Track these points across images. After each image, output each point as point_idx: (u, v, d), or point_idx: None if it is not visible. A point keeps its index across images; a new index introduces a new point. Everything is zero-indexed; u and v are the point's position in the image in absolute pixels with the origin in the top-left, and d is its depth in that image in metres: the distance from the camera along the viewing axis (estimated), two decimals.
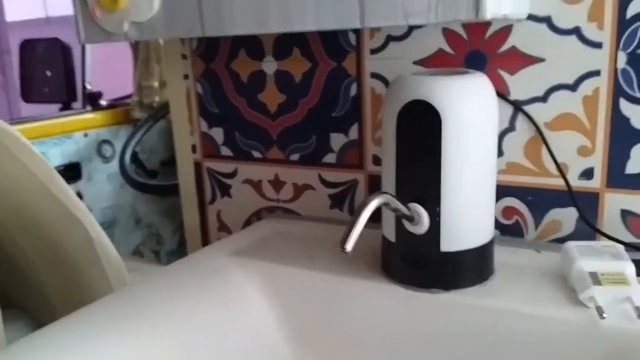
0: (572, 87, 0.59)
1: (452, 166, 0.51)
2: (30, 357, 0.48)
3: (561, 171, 0.60)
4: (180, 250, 2.09)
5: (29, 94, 1.93)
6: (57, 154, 1.79)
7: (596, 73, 0.57)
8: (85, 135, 1.88)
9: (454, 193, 0.51)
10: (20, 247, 1.22)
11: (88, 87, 1.97)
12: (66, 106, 1.93)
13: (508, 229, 0.65)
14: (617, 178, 0.59)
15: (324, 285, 0.58)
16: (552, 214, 0.62)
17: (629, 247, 0.55)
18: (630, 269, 0.51)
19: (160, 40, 1.46)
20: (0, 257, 1.12)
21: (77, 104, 1.94)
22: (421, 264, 0.54)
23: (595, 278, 0.50)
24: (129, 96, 2.05)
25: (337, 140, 0.72)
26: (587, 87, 0.58)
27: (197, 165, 0.84)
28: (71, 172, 1.82)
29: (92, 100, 1.96)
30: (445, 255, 0.53)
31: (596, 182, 0.60)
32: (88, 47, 1.97)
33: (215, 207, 0.84)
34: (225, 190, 0.83)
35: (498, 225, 0.65)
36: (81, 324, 0.53)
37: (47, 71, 1.87)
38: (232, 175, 0.81)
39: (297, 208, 0.78)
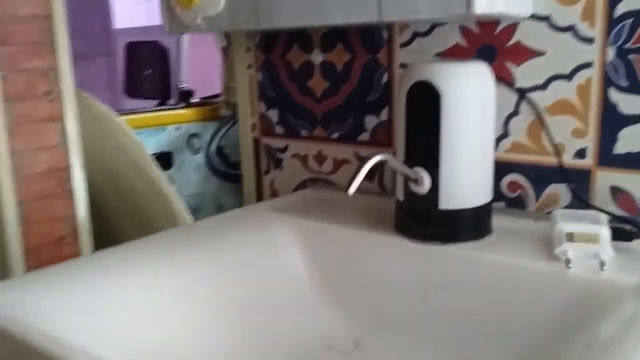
0: (568, 77, 0.67)
1: (449, 137, 0.61)
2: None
3: (557, 150, 0.68)
4: None
5: (131, 90, 2.15)
6: (152, 143, 2.00)
7: (588, 65, 0.65)
8: (177, 128, 2.07)
9: (451, 159, 0.61)
10: (117, 213, 1.43)
11: (182, 86, 2.19)
12: (162, 102, 2.15)
13: (512, 202, 0.73)
14: (607, 157, 0.66)
15: (345, 238, 0.70)
16: (551, 189, 0.70)
17: (614, 217, 0.62)
18: (605, 232, 0.58)
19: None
20: (99, 221, 1.32)
21: (172, 101, 2.16)
22: (423, 220, 0.64)
23: (570, 236, 0.58)
24: (217, 95, 2.25)
25: (370, 121, 0.84)
26: (580, 77, 0.66)
27: (256, 141, 0.98)
28: (163, 160, 2.02)
29: (185, 97, 2.16)
30: (443, 213, 0.63)
31: (588, 161, 0.67)
32: (183, 50, 2.18)
33: (269, 178, 0.97)
34: (278, 163, 0.96)
35: (504, 198, 0.74)
36: (144, 248, 0.67)
37: (148, 70, 2.09)
38: (283, 150, 0.94)
39: (335, 179, 0.89)
